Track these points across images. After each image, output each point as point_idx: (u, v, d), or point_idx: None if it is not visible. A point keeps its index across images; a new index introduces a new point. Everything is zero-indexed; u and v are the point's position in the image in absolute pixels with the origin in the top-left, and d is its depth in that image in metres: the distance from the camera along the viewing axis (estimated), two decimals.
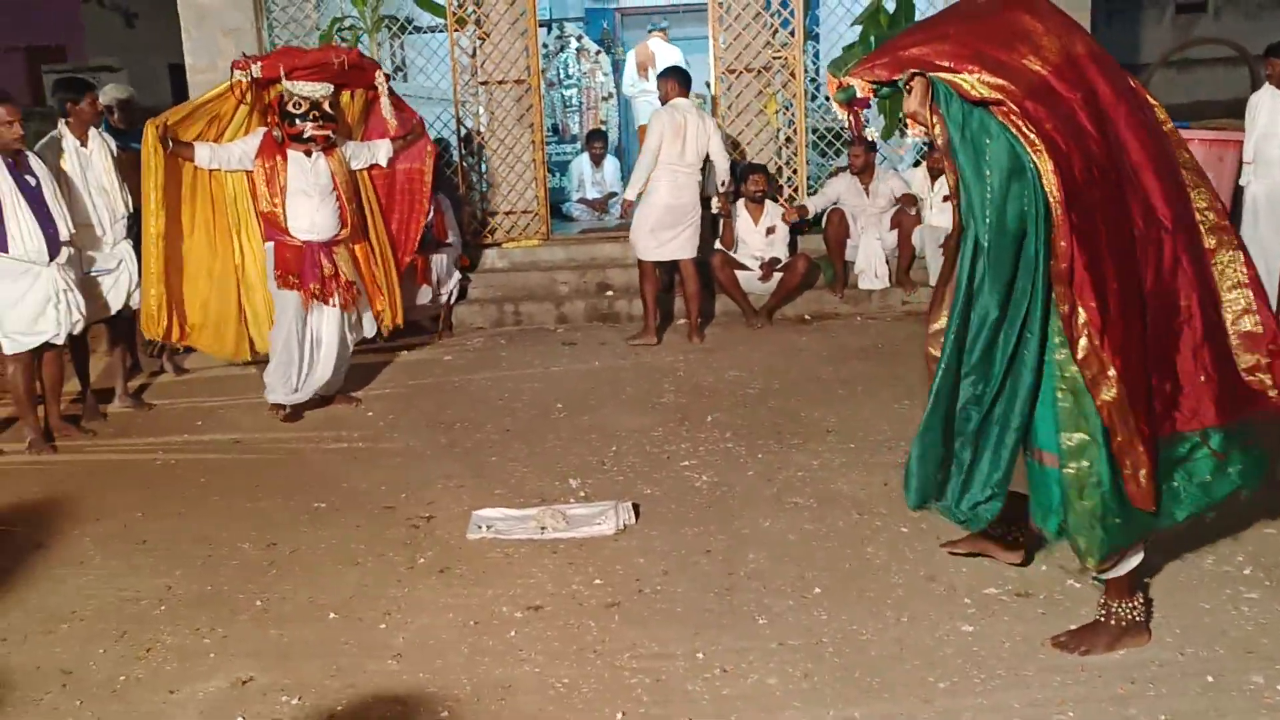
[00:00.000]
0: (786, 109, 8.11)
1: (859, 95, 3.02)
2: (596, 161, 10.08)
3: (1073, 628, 3.18)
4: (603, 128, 11.31)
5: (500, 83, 8.13)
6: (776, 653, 3.20)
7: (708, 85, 8.69)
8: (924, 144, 6.64)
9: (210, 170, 5.73)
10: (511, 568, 3.85)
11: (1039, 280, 2.84)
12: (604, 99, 11.78)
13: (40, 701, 3.14)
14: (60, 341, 5.35)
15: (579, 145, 11.06)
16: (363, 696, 3.08)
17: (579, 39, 11.94)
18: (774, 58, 8.01)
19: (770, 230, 7.55)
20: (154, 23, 15.76)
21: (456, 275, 7.72)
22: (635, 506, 4.27)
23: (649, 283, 7.07)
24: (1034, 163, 2.77)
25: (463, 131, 8.20)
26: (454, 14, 8.00)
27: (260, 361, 5.98)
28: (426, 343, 7.29)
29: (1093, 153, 2.83)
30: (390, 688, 3.12)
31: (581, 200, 9.96)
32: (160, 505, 4.62)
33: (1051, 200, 2.76)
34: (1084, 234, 2.78)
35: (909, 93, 2.93)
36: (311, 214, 5.57)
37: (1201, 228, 3.08)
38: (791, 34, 7.93)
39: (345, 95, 6.02)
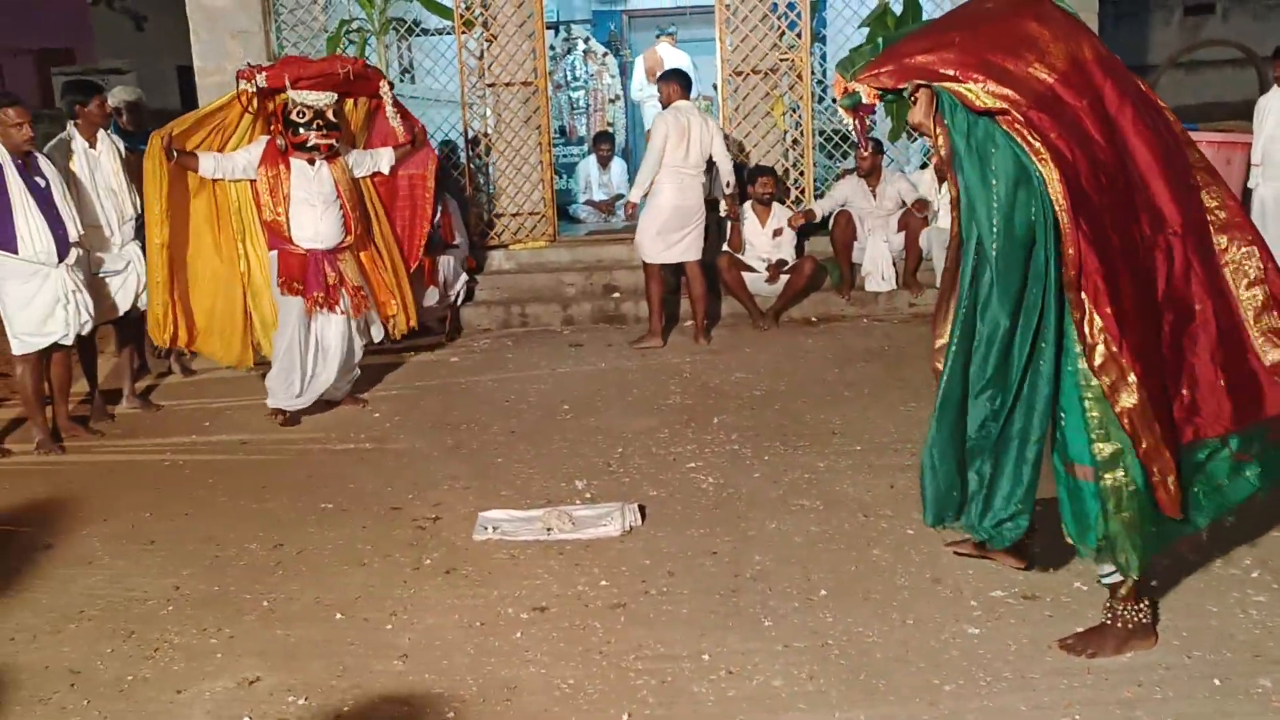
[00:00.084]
0: (793, 111, 8.10)
1: (864, 101, 3.02)
2: (603, 163, 10.07)
3: (1079, 630, 3.17)
4: (609, 130, 11.30)
5: (507, 85, 8.13)
6: (782, 654, 3.20)
7: (715, 88, 8.69)
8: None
9: (215, 179, 5.73)
10: (517, 569, 3.86)
11: (1050, 289, 2.83)
12: (611, 101, 11.79)
13: (48, 701, 3.16)
14: (69, 342, 5.38)
15: (586, 147, 11.05)
16: (369, 697, 3.09)
17: (586, 41, 11.94)
18: (781, 60, 8.01)
19: (777, 232, 7.55)
20: (163, 25, 15.83)
21: (463, 277, 7.74)
22: (641, 508, 4.27)
23: (655, 285, 7.07)
24: (1040, 172, 2.75)
25: (470, 133, 8.21)
26: (461, 16, 8.00)
27: (266, 366, 5.99)
28: (433, 344, 7.29)
29: (1100, 159, 2.82)
30: (396, 688, 3.12)
31: (588, 202, 9.96)
32: (168, 506, 4.63)
33: (1058, 209, 2.75)
34: (1095, 240, 2.77)
35: (914, 103, 2.93)
36: (315, 222, 5.57)
37: (1211, 227, 3.04)
38: (798, 36, 7.92)
39: (348, 103, 6.02)
